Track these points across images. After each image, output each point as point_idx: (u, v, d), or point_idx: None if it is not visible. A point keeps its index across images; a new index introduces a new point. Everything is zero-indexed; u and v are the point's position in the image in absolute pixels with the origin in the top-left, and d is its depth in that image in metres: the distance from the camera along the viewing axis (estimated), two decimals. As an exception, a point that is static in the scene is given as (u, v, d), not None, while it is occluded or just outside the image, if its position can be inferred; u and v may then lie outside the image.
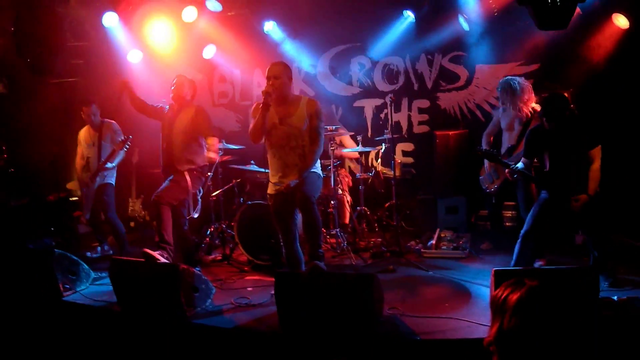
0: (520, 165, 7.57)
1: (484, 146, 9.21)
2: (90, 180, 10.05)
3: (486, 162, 9.09)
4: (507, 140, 8.95)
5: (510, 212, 9.88)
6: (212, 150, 8.69)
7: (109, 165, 9.91)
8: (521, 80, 8.69)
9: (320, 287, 6.00)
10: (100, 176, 10.04)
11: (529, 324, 3.18)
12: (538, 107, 8.47)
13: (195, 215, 8.73)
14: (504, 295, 3.34)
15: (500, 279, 5.57)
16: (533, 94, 8.70)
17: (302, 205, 7.05)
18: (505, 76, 8.94)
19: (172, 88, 8.71)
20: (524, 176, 7.60)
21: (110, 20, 11.62)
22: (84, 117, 10.14)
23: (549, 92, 7.98)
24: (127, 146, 9.80)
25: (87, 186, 10.12)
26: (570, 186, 7.04)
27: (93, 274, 8.51)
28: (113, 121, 10.21)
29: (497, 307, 3.35)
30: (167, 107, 8.85)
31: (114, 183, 10.30)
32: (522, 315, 3.21)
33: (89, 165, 10.10)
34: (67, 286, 7.96)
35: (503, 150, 8.93)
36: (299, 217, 7.56)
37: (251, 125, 7.35)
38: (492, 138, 9.31)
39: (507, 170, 7.62)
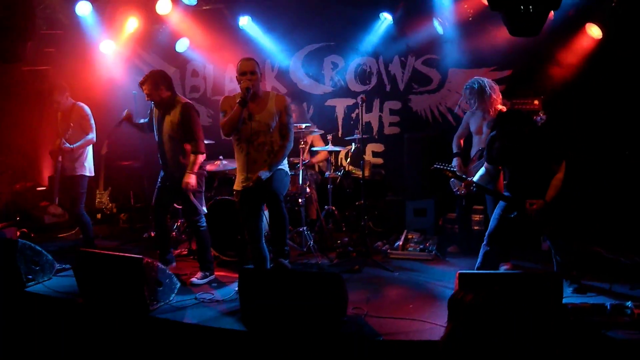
0: (482, 171, 7.61)
1: (455, 149, 9.29)
2: (53, 158, 9.97)
3: (455, 163, 9.11)
4: (477, 144, 9.03)
5: (479, 216, 9.88)
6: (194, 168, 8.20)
7: (67, 145, 9.72)
8: (488, 81, 8.78)
9: (285, 285, 6.00)
10: (73, 166, 9.89)
11: (481, 326, 3.19)
12: (504, 108, 8.57)
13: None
14: (459, 296, 3.35)
15: (464, 281, 5.59)
16: (500, 96, 8.82)
17: (270, 202, 7.06)
18: (467, 83, 8.95)
19: (145, 93, 8.15)
20: (480, 188, 7.59)
21: (83, 9, 11.55)
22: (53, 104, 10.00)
23: (508, 108, 8.02)
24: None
25: (56, 170, 9.98)
26: (529, 195, 7.04)
27: (57, 265, 8.42)
28: (84, 105, 10.02)
29: (452, 308, 3.36)
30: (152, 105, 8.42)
31: (87, 174, 10.09)
32: (474, 318, 3.22)
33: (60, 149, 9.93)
34: (30, 277, 7.88)
35: (473, 153, 8.99)
36: (266, 214, 7.56)
37: (224, 119, 7.32)
38: (462, 141, 9.36)
39: (463, 184, 7.61)
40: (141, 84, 8.18)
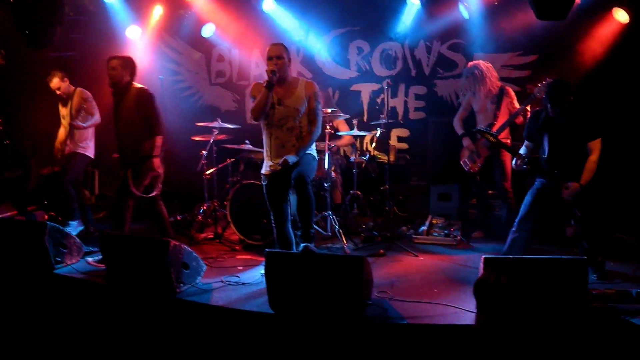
0: (522, 149, 7.60)
1: (460, 130, 9.45)
2: (61, 151, 10.03)
3: (465, 142, 9.32)
4: (482, 121, 9.15)
5: (498, 200, 9.88)
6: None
7: (76, 122, 9.82)
8: (481, 63, 9.01)
9: (310, 268, 6.01)
10: (73, 145, 9.95)
11: (511, 310, 3.21)
12: (510, 89, 8.79)
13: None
14: (491, 280, 3.37)
15: (489, 266, 5.61)
16: (495, 71, 9.05)
17: (297, 184, 7.07)
18: (465, 69, 9.26)
19: (108, 72, 8.43)
20: (533, 164, 7.51)
21: (110, -6, 11.64)
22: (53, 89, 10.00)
23: (554, 77, 7.97)
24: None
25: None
26: (566, 174, 7.05)
27: (85, 248, 8.51)
28: (84, 89, 10.07)
29: (484, 292, 3.38)
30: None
31: (87, 154, 10.15)
32: (504, 302, 3.24)
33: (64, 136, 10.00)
34: (59, 259, 7.96)
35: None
36: (292, 198, 7.59)
37: (253, 104, 7.33)
38: (462, 122, 9.47)
39: (517, 159, 7.55)
40: (112, 58, 8.53)
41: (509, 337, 3.28)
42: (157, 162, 8.55)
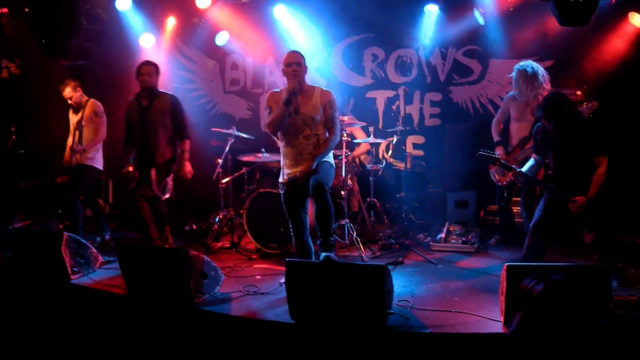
0: (531, 162, 7.55)
1: (496, 137, 9.16)
2: (68, 162, 9.99)
3: (498, 152, 8.98)
4: (516, 131, 8.94)
5: (519, 208, 9.81)
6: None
7: (79, 146, 9.74)
8: (541, 68, 8.63)
9: (331, 277, 5.98)
10: (80, 156, 9.85)
11: (549, 315, 3.21)
12: None
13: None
14: (529, 287, 3.36)
15: (512, 274, 5.56)
16: (549, 87, 8.61)
17: (316, 192, 7.02)
18: (517, 65, 8.78)
19: (141, 77, 8.74)
20: (528, 179, 7.53)
21: (123, 3, 11.61)
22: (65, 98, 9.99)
23: (551, 90, 7.91)
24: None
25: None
26: (572, 188, 6.99)
27: (101, 258, 8.49)
28: (96, 101, 10.06)
29: (521, 297, 3.37)
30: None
31: (95, 166, 10.12)
32: (543, 307, 3.23)
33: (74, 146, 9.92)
34: (75, 269, 7.95)
35: (515, 141, 8.89)
36: (311, 207, 7.56)
37: (269, 118, 7.30)
38: (502, 126, 9.23)
39: (511, 173, 7.55)
40: (145, 64, 8.86)
41: (542, 344, 3.27)
42: (189, 165, 8.84)
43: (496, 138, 9.15)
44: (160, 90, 8.90)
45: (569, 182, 7.04)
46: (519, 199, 9.46)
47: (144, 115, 8.67)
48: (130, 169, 8.76)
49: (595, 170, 6.96)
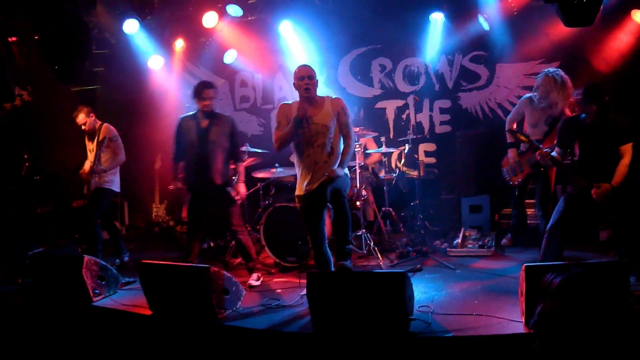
0: (552, 154, 7.58)
1: (508, 137, 9.11)
2: (87, 183, 9.97)
3: (511, 153, 9.05)
4: (530, 135, 8.89)
5: (533, 210, 9.84)
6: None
7: (99, 167, 9.78)
8: (569, 80, 8.47)
9: (352, 287, 6.03)
10: (99, 179, 9.90)
11: (568, 305, 3.25)
12: (570, 114, 8.45)
13: None
14: (549, 279, 3.42)
15: (531, 274, 5.60)
16: (571, 93, 8.51)
17: (334, 200, 7.09)
18: (546, 69, 8.64)
19: (203, 102, 8.40)
20: (555, 163, 7.55)
21: (130, 27, 11.69)
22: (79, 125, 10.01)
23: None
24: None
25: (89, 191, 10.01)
26: (598, 178, 7.04)
27: (121, 279, 8.56)
28: (110, 125, 10.06)
29: (542, 290, 3.42)
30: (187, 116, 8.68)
31: (113, 189, 10.16)
32: (563, 297, 3.28)
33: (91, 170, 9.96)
34: (97, 291, 7.99)
35: (526, 146, 8.88)
36: (327, 217, 7.60)
37: (279, 133, 7.42)
38: (515, 125, 9.23)
39: (538, 153, 7.58)
40: (208, 87, 8.41)
41: (562, 337, 3.31)
42: (244, 187, 8.78)
43: (509, 140, 9.09)
44: (217, 111, 8.67)
45: (595, 168, 7.10)
46: (532, 201, 9.50)
47: (204, 137, 8.43)
48: (179, 185, 8.74)
49: (619, 160, 7.04)
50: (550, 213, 8.18)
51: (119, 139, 10.02)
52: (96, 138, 9.84)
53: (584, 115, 7.22)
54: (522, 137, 7.74)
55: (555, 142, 8.16)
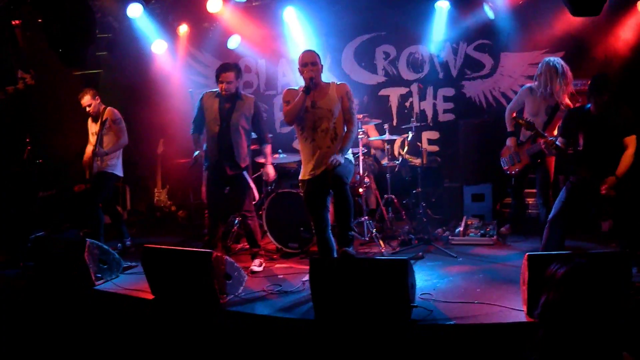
0: (557, 142, 7.58)
1: (508, 126, 9.12)
2: (87, 167, 9.96)
3: (510, 142, 9.07)
4: None
5: (533, 199, 9.84)
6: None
7: (101, 150, 9.74)
8: (568, 69, 8.51)
9: (355, 273, 6.04)
10: (101, 163, 9.92)
11: (572, 296, 3.26)
12: (570, 104, 8.46)
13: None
14: (554, 270, 3.42)
15: (534, 264, 5.60)
16: (571, 82, 8.53)
17: (335, 186, 7.08)
18: (547, 58, 8.67)
19: (221, 86, 8.31)
20: (560, 151, 7.55)
21: (134, 10, 11.65)
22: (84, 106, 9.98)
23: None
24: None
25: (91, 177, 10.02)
26: (602, 169, 7.04)
27: (123, 263, 8.58)
28: (113, 109, 10.06)
29: (546, 280, 3.43)
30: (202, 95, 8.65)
31: (115, 173, 10.15)
32: (567, 288, 3.29)
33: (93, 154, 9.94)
34: (99, 275, 8.01)
35: (525, 136, 8.90)
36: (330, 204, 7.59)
37: (288, 107, 7.37)
38: (514, 114, 9.22)
39: (543, 141, 7.60)
40: (226, 70, 8.31)
41: (566, 327, 3.32)
42: (272, 168, 8.84)
43: (510, 129, 9.12)
44: (242, 92, 8.59)
45: (600, 163, 7.11)
46: (532, 190, 9.49)
47: (226, 119, 8.37)
48: (200, 156, 8.70)
49: (623, 151, 7.05)
50: (551, 202, 8.22)
51: (122, 122, 10.02)
52: (100, 121, 9.83)
53: (588, 105, 7.22)
54: (526, 124, 7.74)
55: (554, 131, 8.22)
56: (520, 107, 9.04)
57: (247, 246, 9.22)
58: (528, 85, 8.92)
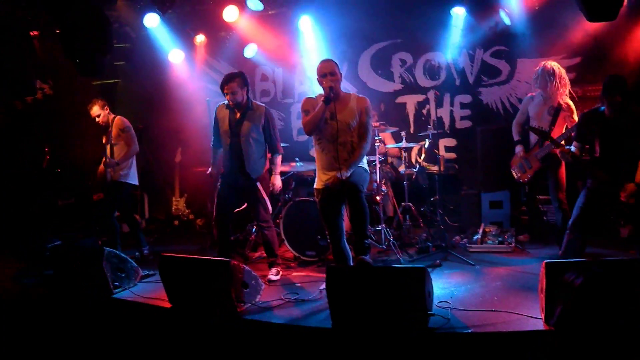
0: (572, 148, 7.56)
1: (516, 136, 9.30)
2: (102, 178, 10.00)
3: (519, 150, 9.19)
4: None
5: (546, 207, 9.82)
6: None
7: (112, 160, 9.77)
8: (560, 68, 8.74)
9: (372, 281, 6.02)
10: (114, 173, 9.90)
11: (589, 307, 3.25)
12: (571, 103, 8.54)
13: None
14: (570, 280, 3.42)
15: (551, 271, 5.57)
16: (567, 87, 8.74)
17: (350, 194, 7.05)
18: (543, 63, 8.88)
19: (227, 97, 8.26)
20: (576, 159, 7.53)
21: (151, 21, 11.70)
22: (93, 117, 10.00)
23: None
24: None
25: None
26: (619, 174, 7.01)
27: (141, 271, 8.59)
28: (122, 117, 10.07)
29: (563, 289, 3.43)
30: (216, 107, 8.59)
31: (129, 182, 10.13)
32: (584, 298, 3.28)
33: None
34: (117, 284, 8.03)
35: (534, 139, 8.97)
36: (345, 212, 7.58)
37: (307, 117, 7.30)
38: (520, 127, 9.33)
39: (560, 150, 7.59)
40: (229, 81, 8.24)
41: (583, 336, 3.32)
42: (279, 179, 8.68)
43: (516, 137, 9.34)
44: (252, 100, 8.55)
45: (617, 168, 7.08)
46: (546, 197, 9.48)
47: (237, 129, 8.33)
48: (214, 172, 8.69)
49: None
50: (565, 205, 8.25)
51: (131, 130, 10.03)
52: (109, 131, 9.87)
53: (603, 107, 7.19)
54: (541, 133, 7.76)
55: (562, 130, 8.25)
56: (525, 117, 9.22)
57: (265, 255, 9.22)
58: (529, 95, 9.19)
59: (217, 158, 8.77)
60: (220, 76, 12.46)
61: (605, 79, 7.19)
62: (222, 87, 8.28)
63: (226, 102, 8.41)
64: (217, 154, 8.77)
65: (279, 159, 8.68)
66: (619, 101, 6.99)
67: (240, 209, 9.11)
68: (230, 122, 8.35)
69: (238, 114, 8.33)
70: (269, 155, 8.64)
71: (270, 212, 8.54)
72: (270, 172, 8.65)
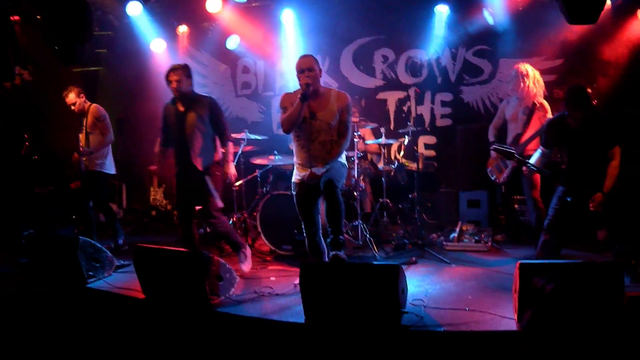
0: (537, 153, 7.59)
1: (491, 138, 9.48)
2: (75, 166, 9.97)
3: (493, 153, 9.27)
4: (512, 130, 9.16)
5: (520, 206, 9.87)
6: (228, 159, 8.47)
7: (85, 149, 9.77)
8: (533, 70, 8.86)
9: (346, 277, 6.01)
10: (89, 162, 9.90)
11: (559, 313, 3.25)
12: (545, 103, 8.66)
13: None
14: (540, 285, 3.41)
15: (525, 272, 5.58)
16: (541, 88, 8.87)
17: (326, 189, 7.00)
18: (517, 65, 8.98)
19: (171, 86, 8.10)
20: (541, 172, 7.58)
21: (134, 9, 11.65)
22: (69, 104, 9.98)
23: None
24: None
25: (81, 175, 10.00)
26: (588, 183, 7.03)
27: (116, 262, 8.55)
28: (99, 106, 10.04)
29: (532, 296, 3.42)
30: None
31: (105, 171, 10.12)
32: (553, 305, 3.27)
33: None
34: (91, 273, 7.99)
35: (510, 139, 9.11)
36: (322, 207, 7.56)
37: (284, 115, 7.21)
38: (496, 131, 9.46)
39: (524, 169, 7.70)
40: (171, 70, 8.12)
41: (553, 340, 3.31)
42: (233, 167, 8.48)
43: (491, 139, 9.48)
44: (197, 92, 8.37)
45: (584, 170, 7.11)
46: (522, 197, 9.53)
47: (182, 121, 8.16)
48: (155, 168, 8.60)
49: (608, 163, 7.03)
50: (540, 203, 8.31)
51: (107, 119, 9.99)
52: (84, 119, 9.82)
53: (567, 113, 7.20)
54: (506, 153, 7.75)
55: (535, 130, 8.52)
56: (501, 121, 9.38)
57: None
58: (505, 99, 9.43)
59: (164, 157, 8.61)
60: (202, 67, 12.49)
61: (565, 92, 7.20)
62: (167, 76, 8.11)
63: (171, 100, 8.32)
64: (165, 153, 8.57)
65: (230, 146, 8.43)
66: (579, 117, 7.01)
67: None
68: (176, 116, 8.21)
69: (182, 108, 8.18)
70: (222, 150, 8.48)
71: (220, 206, 8.39)
72: (222, 164, 8.47)
